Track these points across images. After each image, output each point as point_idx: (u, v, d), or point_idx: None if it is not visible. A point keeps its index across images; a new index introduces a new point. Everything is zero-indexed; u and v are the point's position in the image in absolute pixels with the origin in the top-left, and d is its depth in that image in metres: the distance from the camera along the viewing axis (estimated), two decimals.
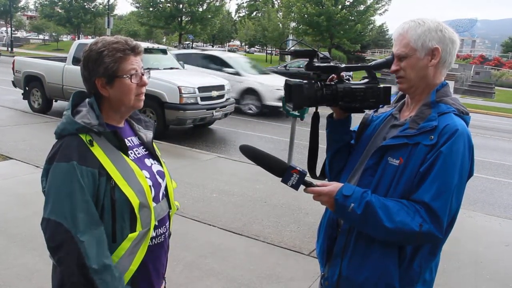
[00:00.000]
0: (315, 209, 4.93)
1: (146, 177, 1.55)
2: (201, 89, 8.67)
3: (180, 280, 3.40)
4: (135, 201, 1.46)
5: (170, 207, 1.71)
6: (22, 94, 10.54)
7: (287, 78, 1.64)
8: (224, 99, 9.35)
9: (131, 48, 1.51)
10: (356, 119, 1.74)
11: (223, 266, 3.68)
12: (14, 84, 10.79)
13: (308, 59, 1.60)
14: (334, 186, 1.52)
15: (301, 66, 21.20)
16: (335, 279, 1.64)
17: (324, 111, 1.68)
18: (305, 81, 1.57)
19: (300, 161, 7.37)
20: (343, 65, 1.64)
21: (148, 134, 1.71)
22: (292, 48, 1.62)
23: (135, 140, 1.66)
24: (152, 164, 1.65)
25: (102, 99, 1.53)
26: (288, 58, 28.22)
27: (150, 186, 1.55)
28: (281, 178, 1.54)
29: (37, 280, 3.24)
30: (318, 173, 1.84)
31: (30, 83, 10.31)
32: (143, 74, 1.55)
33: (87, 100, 1.55)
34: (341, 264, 1.62)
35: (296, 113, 6.02)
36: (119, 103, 1.54)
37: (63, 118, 1.49)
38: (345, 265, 1.60)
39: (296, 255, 4.03)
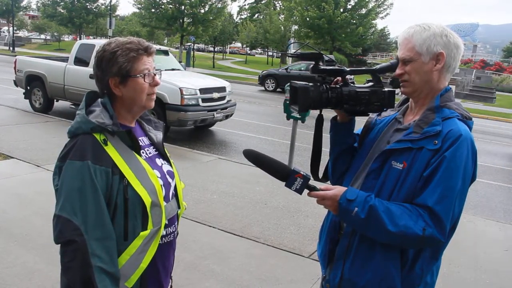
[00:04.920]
0: (315, 211, 4.94)
1: (157, 177, 1.57)
2: (203, 90, 8.69)
3: (180, 281, 3.39)
4: (147, 200, 1.49)
5: (179, 207, 1.73)
6: (24, 93, 10.56)
7: (292, 81, 1.64)
8: (225, 101, 9.37)
9: (144, 48, 1.53)
10: (360, 122, 1.74)
11: (223, 268, 3.68)
12: (16, 83, 10.81)
13: (313, 62, 1.60)
14: (337, 190, 1.52)
15: (302, 68, 21.20)
16: (337, 281, 1.64)
17: (328, 114, 1.69)
18: (310, 84, 1.57)
19: (300, 164, 7.37)
20: (348, 69, 1.64)
21: (158, 135, 1.75)
22: (298, 51, 1.62)
23: (146, 140, 1.69)
24: (162, 164, 1.69)
25: (114, 99, 1.55)
26: (289, 60, 28.20)
27: (161, 185, 1.57)
28: (284, 183, 1.54)
29: (37, 280, 3.24)
30: (320, 175, 1.85)
31: (32, 83, 10.33)
32: (155, 74, 1.57)
33: (99, 100, 1.56)
34: (343, 266, 1.62)
35: (297, 115, 6.02)
36: (132, 103, 1.56)
37: (77, 117, 1.50)
38: (347, 268, 1.61)
39: (296, 257, 4.03)
